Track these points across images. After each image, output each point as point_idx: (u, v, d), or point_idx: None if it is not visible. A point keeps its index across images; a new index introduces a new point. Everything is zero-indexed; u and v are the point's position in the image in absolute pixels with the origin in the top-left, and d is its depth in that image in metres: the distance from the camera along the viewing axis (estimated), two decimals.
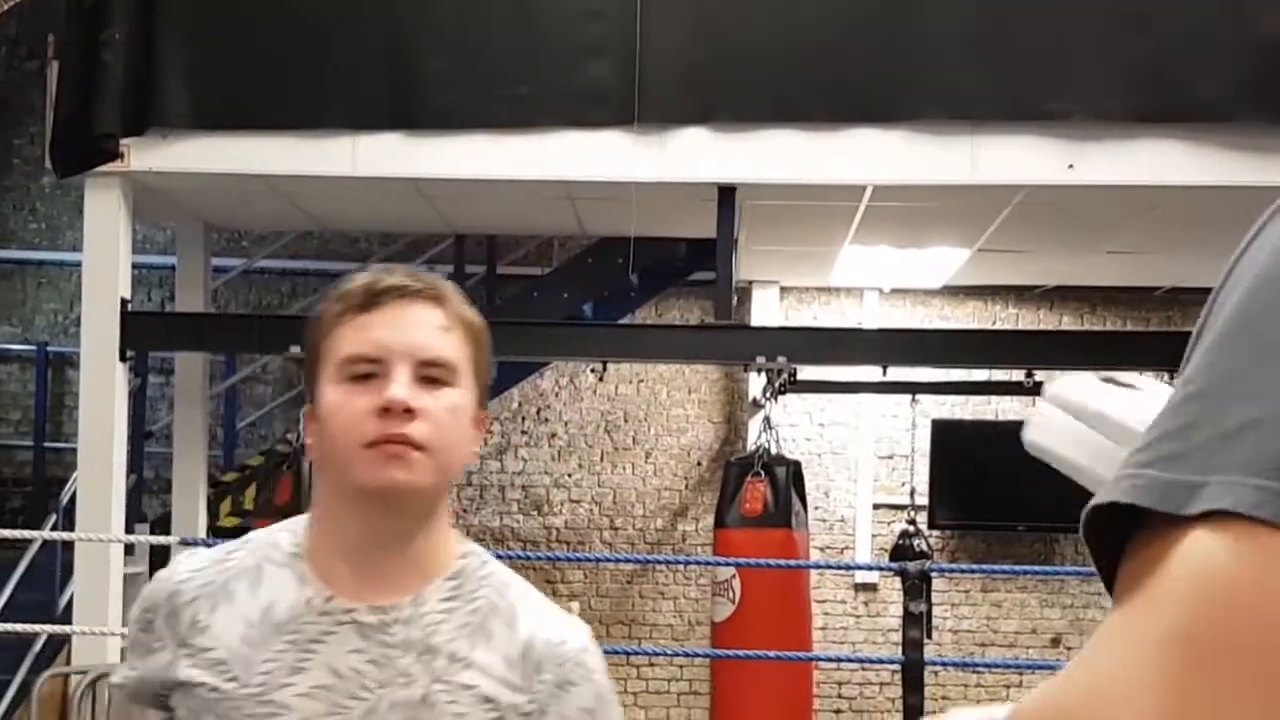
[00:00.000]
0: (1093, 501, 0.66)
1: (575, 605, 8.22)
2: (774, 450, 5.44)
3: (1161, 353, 6.19)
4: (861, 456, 8.50)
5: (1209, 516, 0.60)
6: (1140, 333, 8.02)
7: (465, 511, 8.58)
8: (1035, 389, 5.70)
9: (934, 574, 4.44)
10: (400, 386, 1.54)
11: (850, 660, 7.59)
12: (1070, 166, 5.61)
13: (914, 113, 5.58)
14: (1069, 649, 8.49)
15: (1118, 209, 6.18)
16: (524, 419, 8.65)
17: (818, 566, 7.86)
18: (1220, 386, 0.64)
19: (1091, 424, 1.01)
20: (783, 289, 8.57)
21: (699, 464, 8.60)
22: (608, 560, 8.18)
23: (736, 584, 5.16)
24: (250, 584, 1.60)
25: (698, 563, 7.02)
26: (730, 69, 5.62)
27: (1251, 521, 0.59)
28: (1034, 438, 1.08)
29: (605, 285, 7.56)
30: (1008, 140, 5.60)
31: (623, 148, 5.64)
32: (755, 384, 8.13)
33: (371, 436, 1.53)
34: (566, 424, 8.65)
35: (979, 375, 7.40)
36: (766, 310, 8.39)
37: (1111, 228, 6.64)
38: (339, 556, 1.58)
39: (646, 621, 8.48)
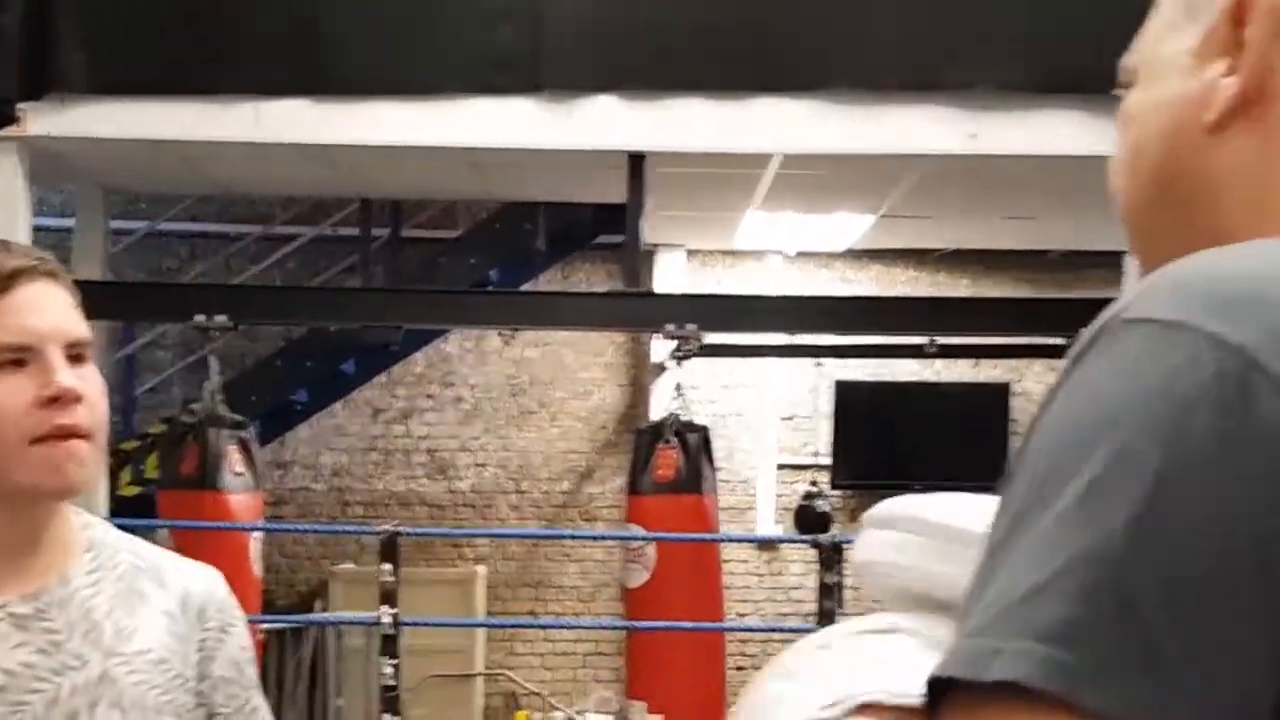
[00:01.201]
0: (928, 674, 0.67)
1: (481, 569, 8.25)
2: (685, 417, 5.48)
3: (1058, 318, 6.33)
4: (765, 418, 8.60)
5: (1003, 687, 0.62)
6: (1040, 299, 8.17)
7: (370, 476, 8.56)
8: (937, 353, 5.82)
9: (845, 545, 4.50)
10: (66, 373, 1.46)
11: (767, 630, 7.70)
12: (973, 136, 5.69)
13: (821, 82, 5.62)
14: None
15: (1018, 177, 6.29)
16: (429, 383, 8.63)
17: (736, 539, 7.96)
18: (1014, 546, 0.66)
19: (911, 529, 1.03)
20: (688, 252, 8.61)
21: (605, 427, 8.64)
22: (523, 536, 8.20)
23: (651, 550, 5.21)
24: None
25: (615, 538, 7.06)
26: (638, 36, 5.61)
27: (1037, 696, 0.61)
28: (864, 557, 1.08)
29: (512, 250, 7.56)
30: (912, 110, 5.66)
31: (530, 114, 5.63)
32: (660, 348, 8.17)
33: (40, 430, 1.45)
34: (472, 388, 8.63)
35: (881, 338, 7.50)
36: (671, 274, 8.42)
37: (1011, 195, 6.76)
38: None
39: (553, 584, 8.52)
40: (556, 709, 8.12)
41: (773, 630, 7.14)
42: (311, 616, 7.43)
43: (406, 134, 5.63)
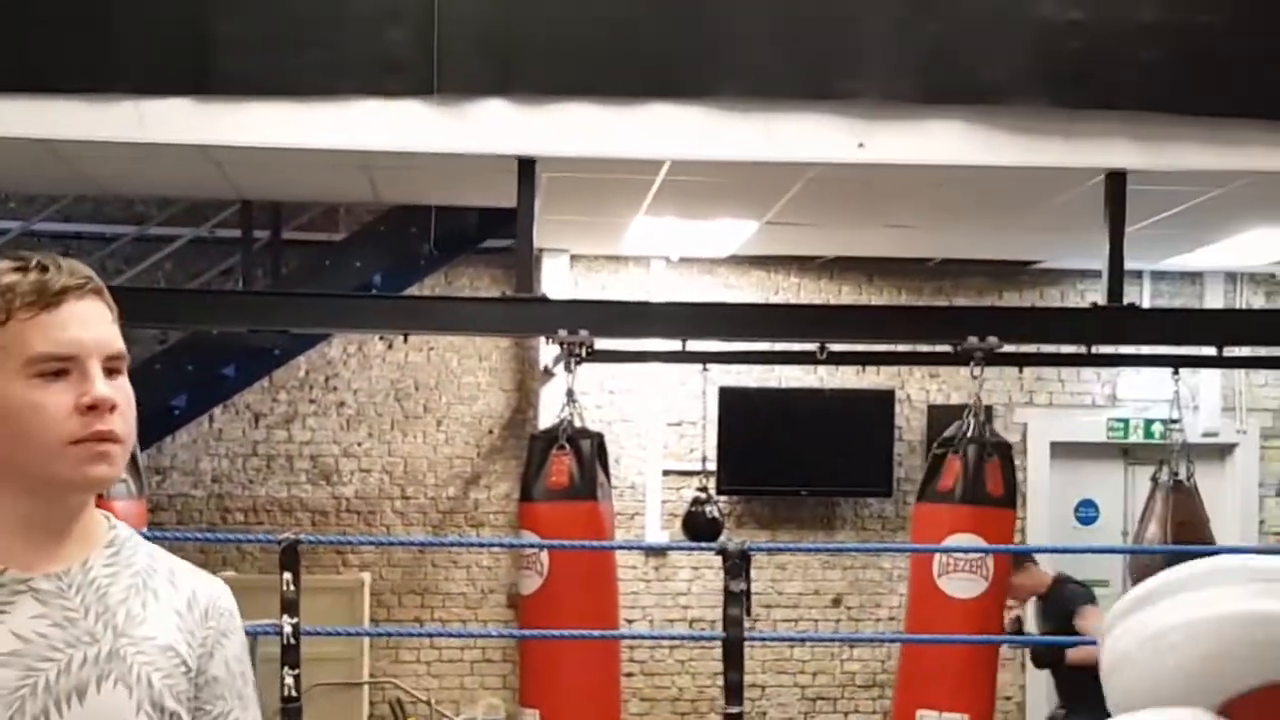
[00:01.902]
0: None
1: (366, 575, 8.16)
2: (578, 423, 5.48)
3: (940, 325, 6.46)
4: (651, 424, 8.62)
5: None
6: (929, 307, 8.33)
7: (252, 482, 8.42)
8: (828, 359, 5.88)
9: (752, 552, 4.53)
10: (102, 384, 1.64)
11: (674, 638, 7.76)
12: (860, 145, 5.77)
13: (712, 89, 5.66)
14: (849, 609, 8.79)
15: (903, 186, 6.39)
16: (311, 387, 8.51)
17: (641, 548, 7.96)
18: None
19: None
20: (572, 257, 8.60)
21: (491, 432, 8.60)
22: (421, 544, 8.11)
23: (544, 557, 5.19)
24: None
25: (508, 545, 7.02)
26: (530, 40, 5.60)
27: None
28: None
29: (398, 253, 7.49)
30: (801, 118, 5.72)
31: (422, 117, 5.58)
32: (546, 352, 8.15)
33: (78, 434, 1.62)
34: (355, 392, 8.54)
35: (770, 344, 7.56)
36: (556, 278, 8.41)
37: (895, 203, 6.87)
38: (7, 534, 1.65)
39: (440, 590, 8.46)
40: (444, 716, 8.07)
41: (660, 637, 7.17)
42: None
43: (295, 136, 5.55)
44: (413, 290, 7.85)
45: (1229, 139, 5.77)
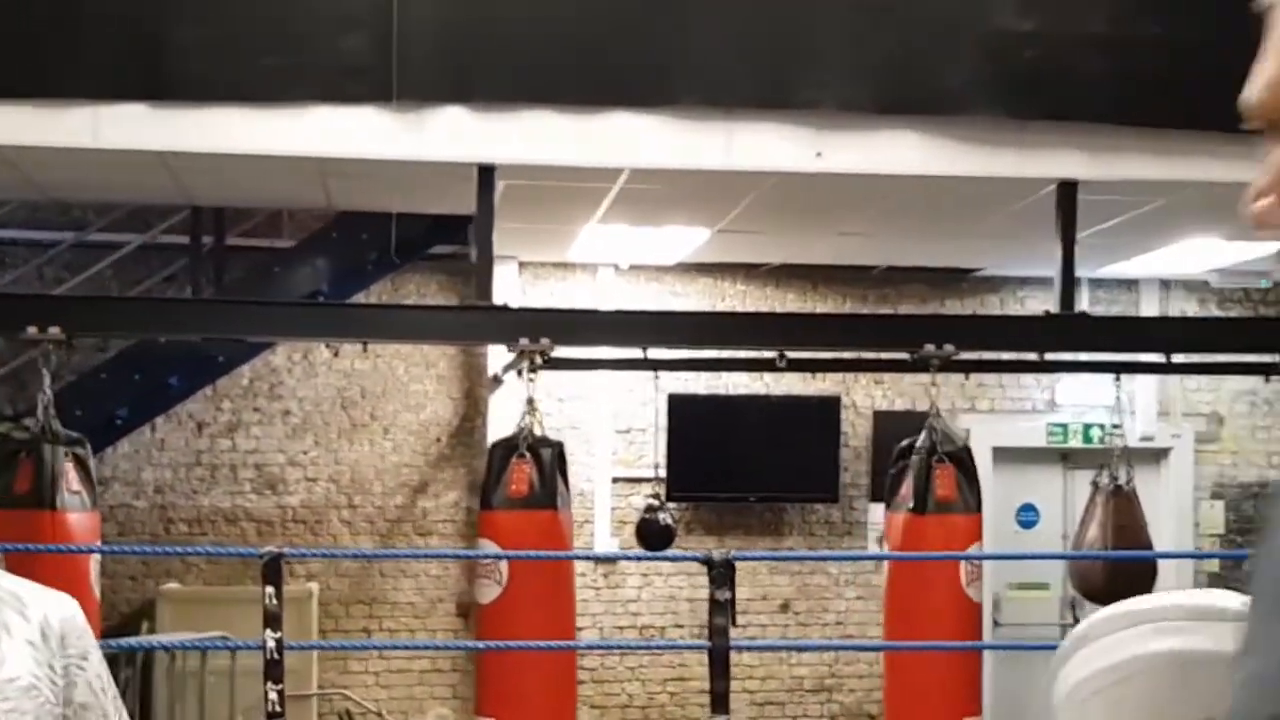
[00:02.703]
0: None
1: (314, 586, 8.08)
2: (538, 431, 5.46)
3: (886, 333, 6.52)
4: (600, 431, 8.62)
5: None
6: (887, 315, 8.39)
7: (195, 492, 8.31)
8: (787, 367, 5.91)
9: (735, 560, 4.54)
10: None
11: (658, 647, 7.77)
12: (818, 155, 5.81)
13: (672, 98, 5.68)
14: (797, 614, 8.84)
15: (858, 195, 6.44)
16: (256, 395, 8.42)
17: (620, 558, 7.95)
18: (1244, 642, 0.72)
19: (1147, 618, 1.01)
20: (520, 264, 8.58)
21: (439, 440, 8.55)
22: (383, 556, 8.03)
23: (503, 566, 5.17)
24: None
25: (468, 556, 6.97)
26: (490, 48, 5.58)
27: None
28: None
29: (348, 260, 7.43)
30: (760, 127, 5.75)
31: (380, 124, 5.55)
32: (495, 359, 8.12)
33: None
34: (301, 400, 8.46)
35: (722, 352, 7.58)
36: (505, 286, 8.36)
37: (848, 212, 6.92)
38: None
39: (387, 600, 8.40)
40: None
41: (613, 647, 7.16)
42: (166, 639, 7.11)
43: (253, 142, 5.50)
44: (359, 297, 7.80)
45: (1177, 150, 5.88)
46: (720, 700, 4.36)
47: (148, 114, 5.40)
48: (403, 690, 8.37)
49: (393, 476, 8.49)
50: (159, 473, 8.30)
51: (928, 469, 5.46)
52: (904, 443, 5.75)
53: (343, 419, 8.47)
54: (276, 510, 8.36)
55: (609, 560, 8.48)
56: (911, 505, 5.48)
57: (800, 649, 7.09)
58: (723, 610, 4.36)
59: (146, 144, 5.48)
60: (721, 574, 4.36)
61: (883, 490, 8.74)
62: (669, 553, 7.70)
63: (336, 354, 8.25)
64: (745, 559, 6.67)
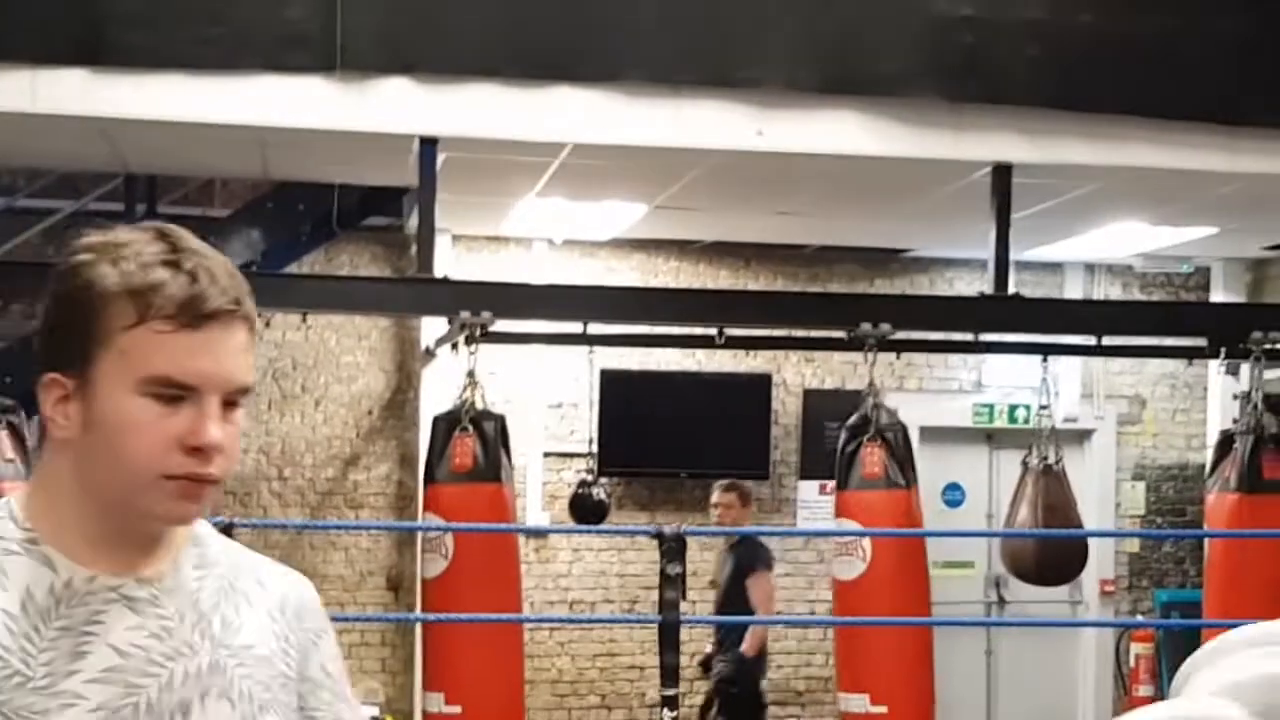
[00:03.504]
0: None
1: None
2: (479, 405, 5.47)
3: (820, 311, 6.60)
4: (532, 405, 8.62)
5: None
6: (826, 294, 8.45)
7: None
8: (727, 344, 5.96)
9: (688, 536, 4.58)
10: (215, 425, 1.48)
11: (608, 621, 7.81)
12: (759, 133, 5.85)
13: (615, 73, 5.69)
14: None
15: (797, 173, 6.49)
16: None
17: (567, 531, 7.95)
18: None
19: None
20: (453, 237, 8.54)
21: (370, 413, 8.52)
22: (330, 527, 7.97)
23: (449, 539, 5.18)
24: None
25: (405, 528, 6.94)
26: (435, 20, 5.56)
27: None
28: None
29: (284, 231, 7.38)
30: (703, 104, 5.78)
31: (322, 95, 5.51)
32: (428, 332, 8.09)
33: (175, 471, 1.48)
34: None
35: (656, 328, 7.61)
36: (439, 258, 8.32)
37: (786, 190, 6.97)
38: (88, 541, 1.52)
39: (317, 573, 8.34)
40: None
41: (564, 621, 7.18)
42: None
43: (193, 110, 5.44)
44: (292, 268, 7.74)
45: (1111, 134, 5.98)
46: (671, 674, 4.41)
47: (87, 79, 5.32)
48: None
49: (324, 449, 8.44)
50: None
51: (885, 447, 5.54)
52: (853, 420, 5.79)
53: (274, 390, 8.40)
54: None
55: (541, 534, 8.50)
56: (886, 483, 5.58)
57: (746, 623, 7.16)
58: (674, 584, 4.41)
59: (85, 110, 5.40)
60: (673, 548, 4.41)
61: (812, 468, 8.93)
62: (619, 526, 7.75)
63: (268, 324, 8.18)
64: (696, 534, 6.72)
